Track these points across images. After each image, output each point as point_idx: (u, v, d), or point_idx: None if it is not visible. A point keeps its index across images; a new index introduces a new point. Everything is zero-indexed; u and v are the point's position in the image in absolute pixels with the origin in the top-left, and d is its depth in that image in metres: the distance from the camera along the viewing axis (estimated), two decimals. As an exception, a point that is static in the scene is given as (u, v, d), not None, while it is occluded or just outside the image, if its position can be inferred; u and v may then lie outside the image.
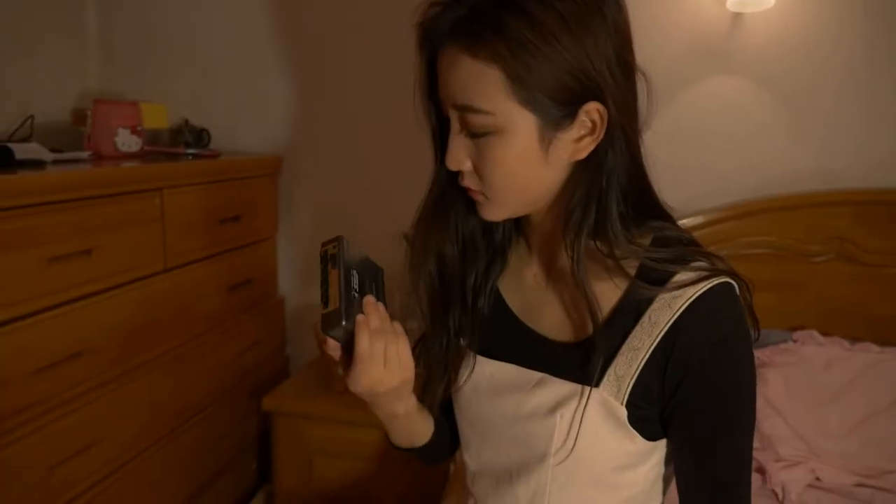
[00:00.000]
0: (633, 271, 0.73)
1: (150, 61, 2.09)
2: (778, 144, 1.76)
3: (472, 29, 0.67)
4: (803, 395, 1.52)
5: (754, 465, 1.45)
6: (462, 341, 0.86)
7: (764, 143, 1.77)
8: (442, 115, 0.77)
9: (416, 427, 0.91)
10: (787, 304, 1.73)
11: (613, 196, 0.73)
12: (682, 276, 0.71)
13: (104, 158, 1.62)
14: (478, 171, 0.73)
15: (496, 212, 0.77)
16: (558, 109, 0.68)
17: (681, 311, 0.70)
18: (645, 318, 0.72)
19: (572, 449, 0.74)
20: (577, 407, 0.73)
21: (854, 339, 1.65)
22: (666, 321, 0.71)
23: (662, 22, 1.74)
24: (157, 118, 1.89)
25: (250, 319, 1.93)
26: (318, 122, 2.03)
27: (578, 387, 0.74)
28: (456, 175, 0.78)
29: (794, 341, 1.65)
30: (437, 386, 0.88)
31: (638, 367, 0.72)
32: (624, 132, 0.71)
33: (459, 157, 0.74)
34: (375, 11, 1.91)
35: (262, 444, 2.02)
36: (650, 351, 0.71)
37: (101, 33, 2.08)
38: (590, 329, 0.75)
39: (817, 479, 1.40)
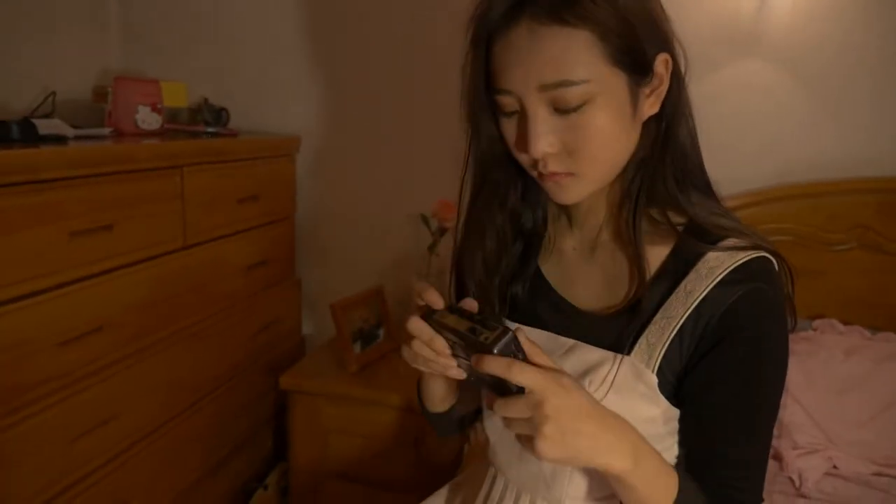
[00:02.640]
0: (681, 228, 0.76)
1: (170, 40, 2.09)
2: (802, 130, 1.74)
3: None
4: (822, 384, 1.51)
5: (771, 452, 1.44)
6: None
7: (788, 128, 1.74)
8: (492, 110, 0.75)
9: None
10: (807, 293, 1.71)
11: (670, 159, 0.75)
12: (725, 243, 0.72)
13: (125, 135, 1.62)
14: (570, 148, 0.70)
15: (582, 188, 0.74)
16: (640, 63, 0.69)
17: (716, 281, 0.71)
18: (680, 287, 0.73)
19: None
20: (608, 373, 0.73)
21: (875, 328, 1.63)
22: (701, 290, 0.71)
23: (687, 3, 1.72)
24: (177, 96, 1.89)
25: (267, 298, 1.94)
26: (337, 103, 2.03)
27: (609, 354, 0.75)
28: (502, 168, 0.78)
29: (814, 330, 1.64)
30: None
31: (670, 335, 0.72)
32: (681, 85, 0.74)
33: (548, 139, 0.70)
34: (396, -9, 1.90)
35: (277, 422, 2.04)
36: (683, 319, 0.72)
37: (122, 12, 2.09)
38: (625, 299, 0.76)
39: (834, 467, 1.39)
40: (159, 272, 1.49)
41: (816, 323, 1.65)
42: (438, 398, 0.89)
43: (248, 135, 1.92)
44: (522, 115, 0.71)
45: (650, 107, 0.73)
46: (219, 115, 1.95)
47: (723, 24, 1.71)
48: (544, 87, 0.67)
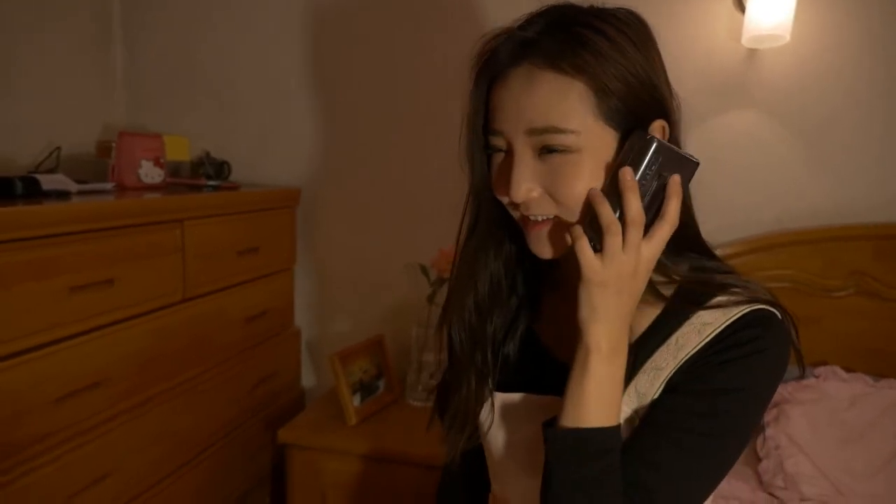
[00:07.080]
0: (669, 293, 0.74)
1: (173, 94, 2.14)
2: (796, 178, 1.76)
3: (552, 44, 0.67)
4: (828, 433, 1.49)
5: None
6: (487, 383, 0.84)
7: (782, 177, 1.77)
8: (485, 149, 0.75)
9: None
10: (807, 340, 1.67)
11: None
12: (719, 300, 0.71)
13: (127, 189, 1.65)
14: (553, 193, 0.70)
15: (564, 238, 0.71)
16: (633, 126, 0.69)
17: (710, 337, 0.70)
18: (672, 339, 0.72)
19: None
20: None
21: (877, 375, 1.62)
22: (693, 345, 0.70)
23: (678, 57, 1.74)
24: (180, 150, 1.93)
25: (266, 351, 1.93)
26: (337, 155, 2.06)
27: None
28: (497, 212, 0.77)
29: (816, 377, 1.62)
30: (459, 434, 0.85)
31: (660, 386, 0.72)
32: None
33: (529, 185, 0.70)
34: (392, 47, 1.95)
35: (275, 477, 2.00)
36: (673, 372, 0.71)
37: (127, 68, 2.14)
38: None
39: (844, 519, 1.36)
40: (158, 325, 1.49)
41: (819, 370, 1.64)
42: None
43: (248, 187, 1.95)
44: (509, 157, 0.71)
45: None
46: (220, 169, 1.98)
47: (714, 76, 1.75)
48: (532, 132, 0.68)
